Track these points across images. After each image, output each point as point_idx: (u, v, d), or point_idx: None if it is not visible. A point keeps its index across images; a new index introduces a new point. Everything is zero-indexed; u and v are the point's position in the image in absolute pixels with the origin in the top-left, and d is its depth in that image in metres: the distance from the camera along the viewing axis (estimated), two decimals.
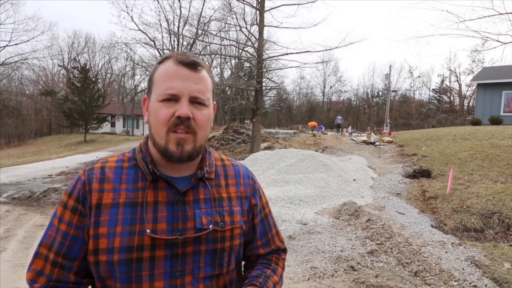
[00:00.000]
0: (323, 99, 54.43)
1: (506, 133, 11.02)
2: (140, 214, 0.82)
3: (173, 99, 0.82)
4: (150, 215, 0.82)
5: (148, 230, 0.80)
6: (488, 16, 6.64)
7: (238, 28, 14.07)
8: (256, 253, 1.02)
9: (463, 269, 3.80)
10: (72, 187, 0.86)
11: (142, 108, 0.94)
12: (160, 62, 0.88)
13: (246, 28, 13.54)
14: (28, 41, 34.31)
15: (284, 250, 1.09)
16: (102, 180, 0.85)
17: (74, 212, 0.83)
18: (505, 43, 6.77)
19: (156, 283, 0.80)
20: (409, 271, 3.76)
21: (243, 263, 1.05)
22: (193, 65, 0.84)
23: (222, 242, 0.88)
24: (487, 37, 7.01)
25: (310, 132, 23.51)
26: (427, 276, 3.65)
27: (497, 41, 6.87)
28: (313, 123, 25.79)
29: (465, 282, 3.48)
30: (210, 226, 0.86)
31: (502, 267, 3.81)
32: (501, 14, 6.50)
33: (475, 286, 3.41)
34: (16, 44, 27.71)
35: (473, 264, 3.90)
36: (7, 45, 26.04)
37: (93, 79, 34.48)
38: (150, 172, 0.85)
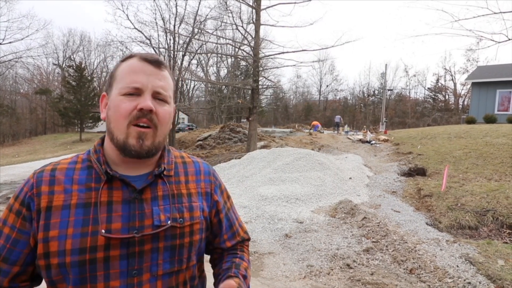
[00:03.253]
0: (319, 98, 54.63)
1: (500, 131, 11.12)
2: (93, 214, 0.80)
3: (135, 93, 0.82)
4: (104, 215, 0.80)
5: (102, 231, 0.79)
6: (483, 15, 6.68)
7: (234, 26, 14.04)
8: (223, 246, 1.04)
9: (457, 266, 3.83)
10: (19, 190, 0.84)
11: (100, 105, 0.92)
12: (123, 60, 0.88)
13: (242, 26, 13.50)
14: (22, 39, 34.13)
15: (248, 240, 1.12)
16: (52, 182, 0.83)
17: (17, 215, 0.81)
18: (499, 42, 6.82)
19: (111, 282, 0.79)
20: (404, 269, 3.79)
21: (208, 257, 1.09)
22: (157, 63, 0.86)
23: (181, 238, 0.88)
24: (481, 36, 7.05)
25: (309, 130, 23.65)
26: (422, 274, 3.68)
27: (491, 40, 6.92)
28: (315, 122, 26.28)
29: (460, 279, 3.51)
30: (169, 222, 0.85)
31: (496, 264, 3.85)
32: (495, 13, 6.54)
33: (469, 283, 3.44)
34: (10, 43, 27.40)
35: (467, 261, 3.94)
36: (0, 44, 25.76)
37: (89, 77, 34.27)
38: (104, 172, 0.84)
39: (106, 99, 0.89)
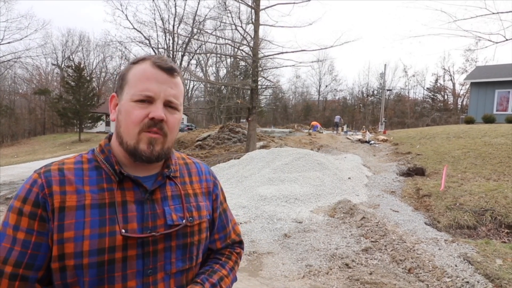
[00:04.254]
0: (318, 98, 54.66)
1: (499, 131, 11.15)
2: (109, 215, 0.80)
3: (147, 100, 0.83)
4: (121, 215, 0.81)
5: (122, 230, 0.80)
6: (481, 15, 6.69)
7: (233, 27, 14.03)
8: (213, 247, 1.03)
9: (456, 266, 3.85)
10: (26, 191, 0.79)
11: (109, 106, 0.92)
12: (135, 63, 0.88)
13: (241, 27, 13.50)
14: (21, 39, 34.15)
15: (240, 243, 1.12)
16: (63, 182, 0.81)
17: (32, 217, 0.77)
18: (496, 42, 6.83)
19: (129, 282, 0.80)
20: (403, 268, 3.80)
21: None
22: (170, 70, 0.86)
23: (192, 236, 0.90)
24: (478, 37, 7.07)
25: (308, 130, 23.70)
26: (421, 273, 3.70)
27: (489, 40, 6.93)
28: (315, 122, 26.52)
29: (458, 279, 3.53)
30: (183, 221, 0.88)
31: (494, 263, 3.86)
32: (493, 13, 6.56)
33: (467, 282, 3.45)
34: (9, 43, 27.48)
35: (465, 261, 3.95)
36: None
37: (88, 78, 34.19)
38: (116, 173, 0.84)
39: (115, 100, 0.89)
